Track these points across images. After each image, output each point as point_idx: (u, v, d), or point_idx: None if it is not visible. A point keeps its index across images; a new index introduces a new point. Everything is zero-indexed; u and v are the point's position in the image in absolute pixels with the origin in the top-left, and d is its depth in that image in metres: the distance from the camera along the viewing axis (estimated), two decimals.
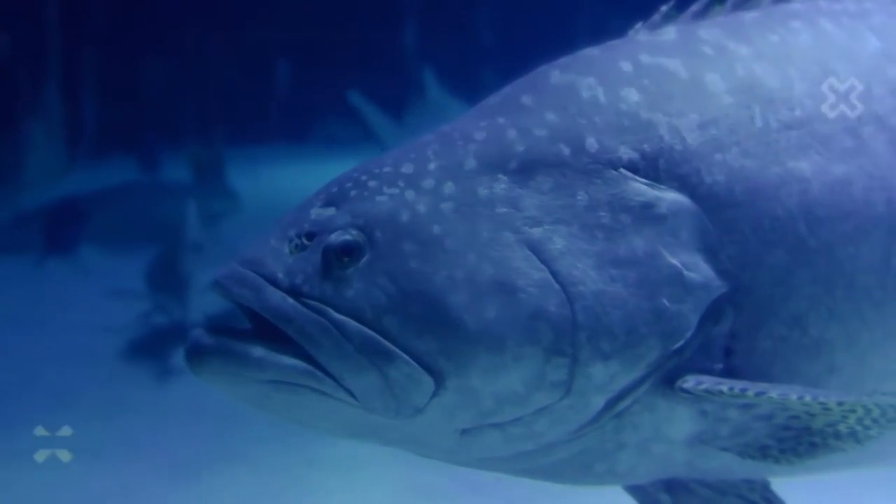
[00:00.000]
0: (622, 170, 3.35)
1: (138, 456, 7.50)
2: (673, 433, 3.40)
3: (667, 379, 3.33)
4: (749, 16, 3.63)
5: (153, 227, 12.54)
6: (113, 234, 13.08)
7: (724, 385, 3.29)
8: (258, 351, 3.18)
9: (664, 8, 3.63)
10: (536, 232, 3.27)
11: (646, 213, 3.32)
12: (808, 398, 3.25)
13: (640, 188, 3.34)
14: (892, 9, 3.75)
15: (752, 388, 3.28)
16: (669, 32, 3.58)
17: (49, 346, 10.20)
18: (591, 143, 3.36)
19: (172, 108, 16.32)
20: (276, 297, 3.21)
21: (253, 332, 3.26)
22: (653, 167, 3.37)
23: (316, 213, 3.32)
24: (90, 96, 16.73)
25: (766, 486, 3.65)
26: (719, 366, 3.37)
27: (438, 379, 3.19)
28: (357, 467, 5.62)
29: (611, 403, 3.31)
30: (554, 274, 3.24)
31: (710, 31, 3.58)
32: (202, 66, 16.57)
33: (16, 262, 12.59)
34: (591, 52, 3.58)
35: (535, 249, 3.25)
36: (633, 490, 3.71)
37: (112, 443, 7.85)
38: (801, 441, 3.38)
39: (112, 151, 16.16)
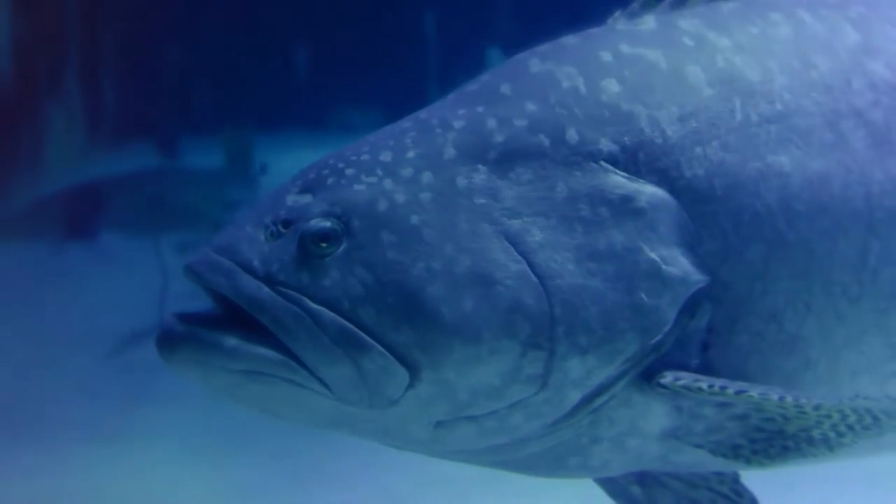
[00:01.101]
0: (602, 162, 3.32)
1: (158, 442, 7.51)
2: (648, 428, 3.37)
3: (644, 374, 3.31)
4: (728, 6, 3.60)
5: (173, 212, 12.56)
6: (133, 219, 13.10)
7: (703, 382, 3.27)
8: (231, 340, 3.15)
9: None
10: (515, 224, 3.24)
11: (625, 207, 3.29)
12: (788, 399, 3.23)
13: (619, 181, 3.31)
14: (867, 0, 3.72)
15: (732, 386, 3.26)
16: (649, 22, 3.55)
17: (68, 331, 10.22)
18: (572, 134, 3.33)
19: (192, 94, 16.33)
20: (250, 284, 3.18)
21: (224, 319, 3.22)
22: (633, 160, 3.34)
23: (292, 199, 3.28)
24: (110, 82, 16.75)
25: (735, 479, 3.64)
26: (696, 361, 3.34)
27: (413, 371, 3.16)
28: (378, 455, 5.61)
29: (587, 399, 3.28)
30: (532, 266, 3.21)
31: (689, 22, 3.54)
32: (222, 52, 16.57)
33: (36, 247, 12.61)
34: (571, 41, 3.54)
35: (514, 241, 3.22)
36: (605, 482, 3.71)
37: (131, 428, 7.86)
38: (773, 444, 3.36)
39: (132, 137, 16.18)
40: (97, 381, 8.73)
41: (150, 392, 8.36)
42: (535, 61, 3.47)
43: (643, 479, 3.64)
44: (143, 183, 14.20)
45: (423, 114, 3.44)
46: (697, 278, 3.30)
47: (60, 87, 15.17)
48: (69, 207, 13.49)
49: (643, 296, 3.25)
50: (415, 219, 3.21)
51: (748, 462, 3.40)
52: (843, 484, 6.22)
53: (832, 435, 3.30)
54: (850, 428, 3.28)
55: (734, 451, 3.39)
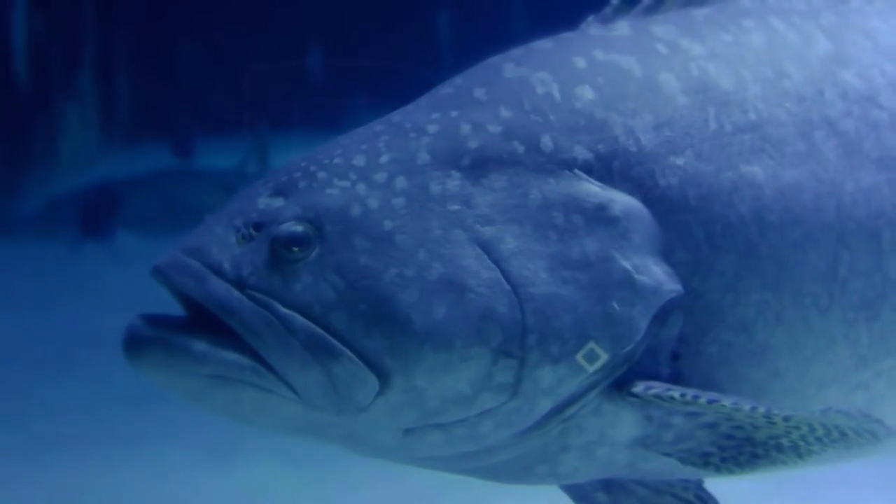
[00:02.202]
0: (576, 170, 3.30)
1: (175, 443, 7.51)
2: (617, 437, 3.36)
3: (614, 383, 3.29)
4: (701, 12, 3.59)
5: (187, 212, 12.57)
6: (148, 219, 13.11)
7: (675, 391, 3.25)
8: (199, 344, 3.12)
9: (615, 1, 3.58)
10: (488, 231, 3.21)
11: (599, 215, 3.27)
12: (760, 410, 3.21)
13: (593, 190, 3.29)
14: (839, 7, 3.71)
15: (704, 395, 3.24)
16: (623, 28, 3.53)
17: (84, 330, 10.22)
18: (546, 141, 3.31)
19: (207, 94, 16.34)
20: (220, 287, 3.15)
21: (190, 321, 3.19)
22: (607, 168, 3.32)
23: (264, 202, 3.25)
24: (125, 81, 16.76)
25: (699, 486, 3.62)
26: (666, 370, 3.33)
27: (383, 377, 3.14)
28: None
29: (558, 409, 3.27)
30: (505, 274, 3.19)
31: (663, 28, 3.53)
32: (237, 51, 16.58)
33: (51, 246, 12.62)
34: (544, 46, 3.52)
35: (487, 248, 3.20)
36: (570, 488, 3.68)
37: (148, 428, 7.87)
38: (742, 451, 3.35)
39: (147, 137, 16.20)
40: (113, 380, 8.73)
41: (168, 392, 8.35)
42: (509, 66, 3.44)
43: (609, 485, 3.62)
44: (158, 182, 14.22)
45: (395, 117, 3.41)
46: (670, 288, 3.28)
47: (76, 86, 15.20)
48: (84, 206, 13.50)
49: (615, 305, 3.23)
50: (388, 224, 3.19)
51: (717, 470, 3.38)
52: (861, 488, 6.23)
53: (801, 444, 3.29)
54: (819, 440, 3.27)
55: (704, 459, 3.38)
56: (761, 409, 3.22)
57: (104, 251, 12.35)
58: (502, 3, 14.87)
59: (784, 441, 3.30)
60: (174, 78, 16.63)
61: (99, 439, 7.67)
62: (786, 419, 3.23)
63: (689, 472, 3.47)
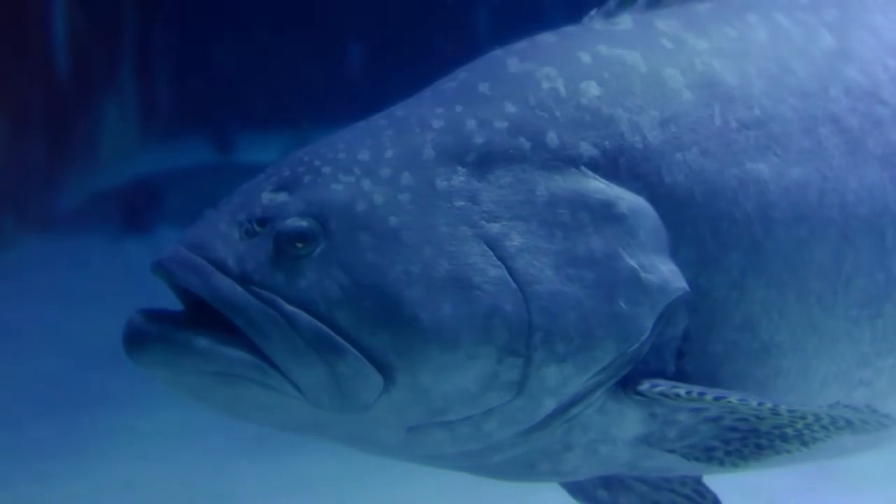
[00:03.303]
0: (583, 167, 3.28)
1: (219, 435, 7.50)
2: (621, 435, 3.35)
3: (619, 381, 3.27)
4: (704, 6, 3.57)
5: None
6: (188, 214, 13.11)
7: (682, 389, 3.24)
8: (202, 341, 3.10)
9: None
10: (494, 227, 3.19)
11: (605, 213, 3.25)
12: (768, 405, 3.20)
13: (600, 187, 3.27)
14: (841, 2, 3.70)
15: (710, 392, 3.23)
16: (626, 22, 3.52)
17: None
18: (552, 137, 3.29)
19: (247, 89, 16.37)
20: (225, 284, 3.12)
21: (193, 317, 3.16)
22: (613, 165, 3.30)
23: (268, 198, 3.22)
24: (165, 76, 16.81)
25: (698, 481, 3.61)
26: (671, 368, 3.32)
27: (388, 375, 3.12)
28: None
29: (563, 408, 3.25)
30: (511, 271, 3.17)
31: (667, 23, 3.51)
32: (277, 47, 16.61)
33: (92, 240, 12.65)
34: (548, 40, 3.50)
35: (493, 245, 3.18)
36: (570, 485, 3.68)
37: (191, 422, 7.87)
38: (746, 443, 3.34)
39: (187, 132, 16.24)
40: None
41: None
42: (513, 60, 3.43)
43: (608, 482, 3.62)
44: (198, 177, 14.25)
45: (398, 111, 3.39)
46: (676, 286, 3.26)
47: (116, 82, 15.24)
48: (125, 202, 13.55)
49: (622, 303, 3.21)
50: (393, 220, 3.17)
51: (722, 464, 3.37)
52: None
53: (806, 432, 3.28)
54: (824, 427, 3.26)
55: (707, 454, 3.37)
56: (768, 404, 3.21)
57: (145, 246, 12.37)
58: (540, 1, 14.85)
59: (788, 430, 3.28)
60: (214, 73, 16.67)
61: (143, 432, 7.67)
62: (791, 411, 3.22)
63: (691, 468, 3.46)
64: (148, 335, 3.11)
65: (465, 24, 15.55)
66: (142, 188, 13.87)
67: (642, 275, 3.23)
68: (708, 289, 3.32)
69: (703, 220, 3.32)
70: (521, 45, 3.50)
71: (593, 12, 3.57)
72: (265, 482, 6.85)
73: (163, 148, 15.69)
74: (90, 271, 11.63)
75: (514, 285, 3.16)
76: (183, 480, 6.93)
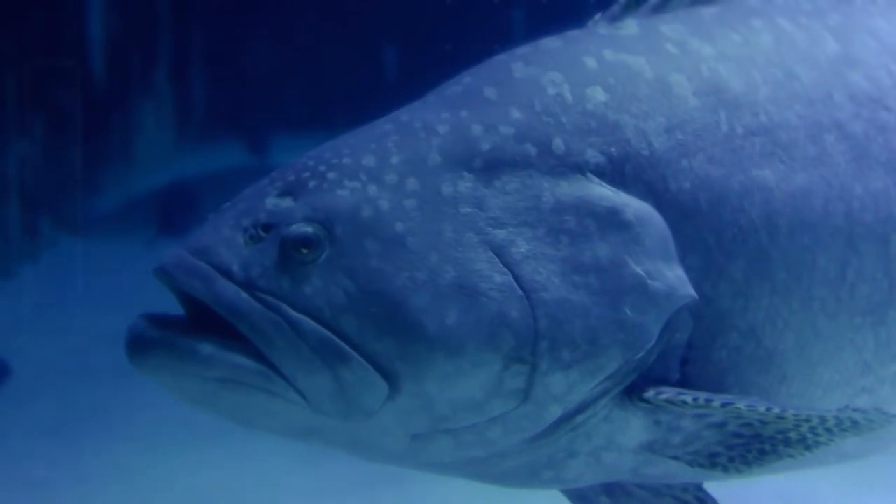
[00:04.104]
0: (589, 174, 3.25)
1: (255, 440, 7.50)
2: (625, 442, 3.32)
3: (625, 389, 3.25)
4: (709, 11, 3.54)
5: None
6: None
7: (688, 396, 3.21)
8: (206, 347, 3.06)
9: None
10: (500, 234, 3.16)
11: (612, 220, 3.22)
12: (775, 410, 3.17)
13: (606, 193, 3.24)
14: (844, 7, 3.67)
15: (717, 398, 3.20)
16: (631, 26, 3.49)
17: None
18: (558, 144, 3.26)
19: (282, 92, 16.39)
20: (229, 290, 3.08)
21: (195, 322, 3.12)
22: (619, 172, 3.27)
23: (272, 203, 3.18)
24: (200, 78, 16.85)
25: (699, 487, 3.58)
26: (675, 375, 3.28)
27: (393, 382, 3.08)
28: None
29: (568, 416, 3.22)
30: (517, 278, 3.13)
31: (672, 28, 3.48)
32: (312, 49, 16.62)
33: (128, 244, 12.68)
34: (553, 44, 3.47)
35: (499, 252, 3.14)
36: (571, 491, 3.65)
37: (229, 425, 7.87)
38: (750, 448, 3.30)
39: (222, 134, 16.27)
40: None
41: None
42: (518, 65, 3.39)
43: (610, 488, 3.59)
44: (233, 180, 14.25)
45: (403, 115, 3.36)
46: (682, 294, 3.23)
47: (152, 85, 15.28)
48: (161, 204, 13.57)
49: (628, 311, 3.18)
50: (399, 227, 3.13)
51: (725, 470, 3.34)
52: None
53: (810, 436, 3.25)
54: (828, 430, 3.23)
55: (711, 460, 3.34)
56: (776, 409, 3.18)
57: None
58: (577, 4, 14.80)
59: (792, 435, 3.25)
60: (249, 75, 16.70)
61: (179, 436, 7.69)
62: (796, 414, 3.19)
63: (694, 475, 3.44)
64: (151, 341, 3.07)
65: (502, 25, 15.52)
66: (177, 191, 13.88)
67: (648, 282, 3.20)
68: (713, 296, 3.30)
69: (708, 228, 3.30)
70: (525, 49, 3.47)
71: (598, 16, 3.55)
72: (304, 486, 6.86)
73: (198, 150, 15.72)
74: (125, 274, 11.66)
75: (520, 292, 3.13)
76: (219, 484, 6.93)
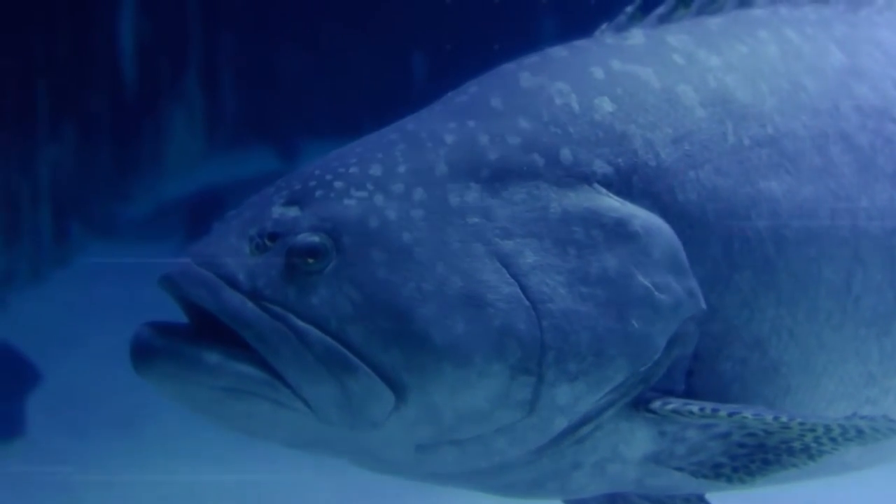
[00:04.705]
0: (596, 184, 3.24)
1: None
2: (630, 454, 3.31)
3: (630, 400, 3.24)
4: (714, 21, 3.54)
5: None
6: None
7: (694, 406, 3.21)
8: (213, 356, 3.06)
9: (629, 8, 3.53)
10: (507, 245, 3.15)
11: (619, 231, 3.21)
12: (783, 419, 3.17)
13: (613, 204, 3.23)
14: (849, 18, 3.66)
15: (724, 408, 3.20)
16: (637, 36, 3.49)
17: None
18: (566, 154, 3.25)
19: (310, 98, 16.41)
20: (235, 300, 3.07)
21: (200, 330, 3.11)
22: (626, 183, 3.27)
23: (278, 212, 3.18)
24: (230, 84, 16.88)
25: (700, 498, 3.57)
26: (680, 387, 3.28)
27: (400, 393, 3.07)
28: None
29: (573, 427, 3.21)
30: (524, 289, 3.12)
31: (678, 38, 3.48)
32: (341, 55, 16.65)
33: (157, 250, 12.70)
34: (560, 54, 3.47)
35: (506, 263, 3.13)
36: (573, 502, 3.63)
37: None
38: (754, 458, 3.30)
39: (252, 141, 16.30)
40: None
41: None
42: (525, 75, 3.39)
43: (614, 500, 3.58)
44: (263, 186, 14.26)
45: (409, 125, 3.35)
46: (689, 306, 3.23)
47: (182, 91, 15.32)
48: (191, 210, 13.60)
49: (634, 323, 3.17)
50: (406, 237, 3.12)
51: (729, 480, 3.34)
52: None
53: (813, 445, 3.24)
54: (833, 440, 3.22)
55: (715, 471, 3.33)
56: (783, 418, 3.17)
57: None
58: (607, 12, 14.79)
59: (796, 444, 3.25)
60: (279, 81, 16.73)
61: (208, 441, 7.69)
62: (802, 423, 3.19)
63: (698, 486, 3.43)
64: (157, 349, 3.08)
65: (530, 30, 15.52)
66: (206, 196, 13.90)
67: (655, 294, 3.20)
68: (719, 307, 3.29)
69: (715, 239, 3.29)
70: (532, 58, 3.47)
71: (604, 26, 3.54)
72: (331, 489, 6.85)
73: (228, 156, 15.74)
74: (155, 280, 11.68)
75: (527, 303, 3.12)
76: (251, 488, 6.93)
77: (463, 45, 16.18)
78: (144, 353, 3.09)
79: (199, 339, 3.09)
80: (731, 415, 3.18)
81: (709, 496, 3.58)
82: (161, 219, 13.81)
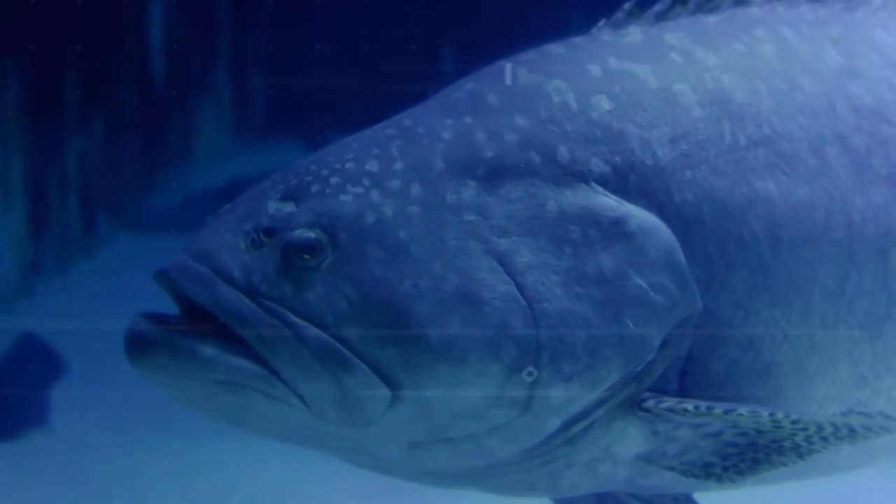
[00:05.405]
0: (593, 183, 3.22)
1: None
2: (621, 453, 3.30)
3: (624, 400, 3.23)
4: (711, 20, 3.52)
5: None
6: None
7: (689, 404, 3.19)
8: (208, 349, 3.04)
9: (627, 6, 3.52)
10: (504, 243, 3.13)
11: (615, 230, 3.19)
12: (779, 416, 3.16)
13: (610, 204, 3.21)
14: (845, 18, 3.64)
15: (718, 406, 3.19)
16: (635, 34, 3.47)
17: None
18: (563, 152, 3.23)
19: (338, 91, 16.43)
20: (231, 296, 3.06)
21: (194, 322, 3.09)
22: (623, 182, 3.25)
23: (274, 207, 3.17)
24: (259, 78, 16.91)
25: (689, 498, 3.57)
26: (673, 387, 3.27)
27: (395, 390, 3.06)
28: None
29: (566, 426, 3.20)
30: (520, 288, 3.10)
31: (676, 36, 3.46)
32: (369, 50, 16.66)
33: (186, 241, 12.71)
34: (557, 51, 3.45)
35: (502, 261, 3.11)
36: (563, 501, 3.63)
37: None
38: (744, 458, 3.28)
39: (280, 134, 16.32)
40: None
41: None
42: (522, 71, 3.37)
43: (604, 499, 3.57)
44: None
45: (406, 120, 3.33)
46: (684, 306, 3.21)
47: (211, 84, 15.35)
48: (219, 202, 13.60)
49: (629, 323, 3.16)
50: (403, 234, 3.11)
51: (719, 479, 3.32)
52: None
53: (803, 444, 3.23)
54: (824, 439, 3.21)
55: (706, 471, 3.32)
56: (779, 415, 3.17)
57: None
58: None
59: (786, 443, 3.24)
60: (307, 75, 16.75)
61: (233, 433, 7.68)
62: (794, 422, 3.17)
63: (688, 485, 3.42)
64: (152, 340, 3.06)
65: (560, 27, 15.44)
66: (234, 189, 13.89)
67: (651, 294, 3.18)
68: (714, 308, 3.27)
69: (711, 239, 3.27)
70: (529, 55, 3.45)
71: (601, 23, 3.53)
72: (356, 482, 6.84)
73: (256, 150, 15.77)
74: None
75: (523, 302, 3.10)
76: (275, 479, 6.93)
77: (491, 39, 16.17)
78: (140, 345, 3.07)
79: (195, 331, 3.07)
80: (726, 412, 3.17)
81: (696, 496, 3.59)
82: (189, 211, 13.83)
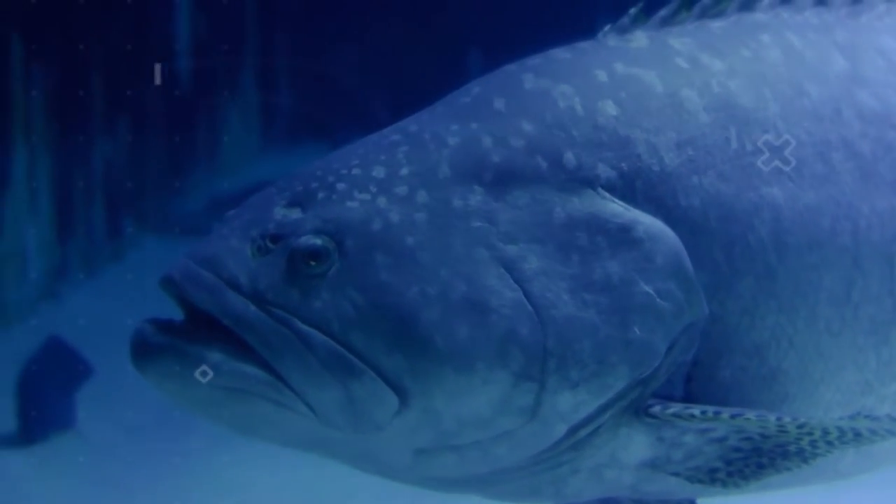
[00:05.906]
0: (600, 189, 3.21)
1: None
2: (627, 459, 3.29)
3: (629, 406, 3.22)
4: (717, 25, 3.52)
5: None
6: None
7: (695, 409, 3.18)
8: (215, 355, 3.03)
9: (633, 10, 3.51)
10: (511, 249, 3.12)
11: (622, 237, 3.18)
12: (786, 420, 3.13)
13: (617, 210, 3.20)
14: (851, 23, 3.63)
15: (725, 411, 3.18)
16: (641, 39, 3.46)
17: None
18: (569, 158, 3.23)
19: (364, 94, 16.44)
20: (237, 302, 3.05)
21: (200, 328, 3.08)
22: (630, 188, 3.24)
23: (281, 213, 3.15)
24: (285, 81, 16.94)
25: (692, 503, 3.55)
26: (679, 393, 3.26)
27: (402, 397, 3.06)
28: None
29: (572, 432, 3.19)
30: (527, 295, 3.10)
31: (682, 41, 3.45)
32: (395, 54, 16.67)
33: None
34: (563, 56, 3.44)
35: (509, 268, 3.11)
36: None
37: None
38: (748, 462, 3.27)
39: (305, 137, 16.34)
40: None
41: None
42: (528, 76, 3.36)
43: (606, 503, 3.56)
44: None
45: (411, 126, 3.32)
46: (691, 312, 3.21)
47: (237, 87, 15.37)
48: None
49: (636, 330, 3.15)
50: (410, 240, 3.10)
51: (724, 485, 3.31)
52: None
53: (808, 448, 3.22)
54: (829, 443, 3.20)
55: (711, 476, 3.31)
56: (785, 419, 3.14)
57: None
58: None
59: (791, 448, 3.23)
60: (333, 78, 16.76)
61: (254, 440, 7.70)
62: (800, 426, 3.16)
63: (692, 491, 3.42)
64: (158, 346, 3.05)
65: (585, 29, 15.41)
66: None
67: (658, 301, 3.18)
68: (720, 314, 3.27)
69: (717, 245, 3.27)
70: (535, 60, 3.43)
71: (607, 28, 3.52)
72: (380, 485, 6.83)
73: (282, 153, 15.80)
74: None
75: (530, 309, 3.10)
76: (299, 483, 6.93)
77: (518, 41, 16.15)
78: (146, 351, 3.07)
79: (202, 337, 3.06)
80: (733, 416, 3.16)
81: (700, 501, 3.58)
82: (215, 214, 13.83)
